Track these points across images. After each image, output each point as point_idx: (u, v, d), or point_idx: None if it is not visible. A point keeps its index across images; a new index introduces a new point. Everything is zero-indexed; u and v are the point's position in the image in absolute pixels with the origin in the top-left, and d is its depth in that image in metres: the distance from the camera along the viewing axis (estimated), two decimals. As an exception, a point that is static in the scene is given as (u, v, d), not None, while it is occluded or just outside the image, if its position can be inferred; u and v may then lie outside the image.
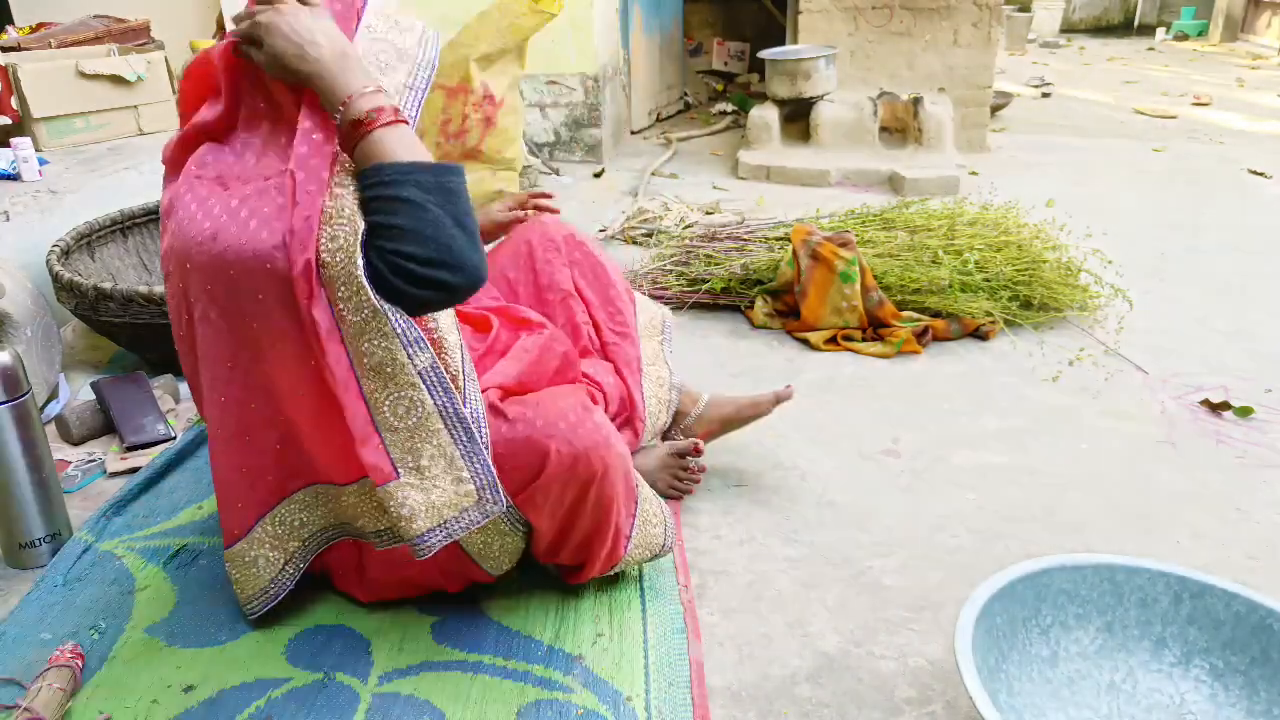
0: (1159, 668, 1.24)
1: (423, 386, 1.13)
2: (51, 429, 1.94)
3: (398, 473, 1.14)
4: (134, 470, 1.81)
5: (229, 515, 1.31)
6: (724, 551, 1.58)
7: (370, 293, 1.07)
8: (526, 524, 1.33)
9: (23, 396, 1.48)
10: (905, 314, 2.45)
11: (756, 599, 1.47)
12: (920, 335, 2.37)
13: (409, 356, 1.12)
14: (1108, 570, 1.26)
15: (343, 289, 1.08)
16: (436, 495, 1.15)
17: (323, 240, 1.08)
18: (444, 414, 1.15)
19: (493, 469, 1.19)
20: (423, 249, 1.06)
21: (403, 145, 1.11)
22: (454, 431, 1.16)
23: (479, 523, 1.19)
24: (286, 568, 1.34)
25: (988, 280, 2.48)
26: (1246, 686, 1.19)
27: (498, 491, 1.19)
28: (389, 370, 1.12)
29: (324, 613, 1.41)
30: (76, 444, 1.92)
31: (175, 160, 1.32)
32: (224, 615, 1.41)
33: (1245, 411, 2.03)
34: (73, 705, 1.23)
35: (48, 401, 2.02)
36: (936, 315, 2.45)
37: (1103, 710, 1.21)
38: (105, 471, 1.82)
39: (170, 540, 1.59)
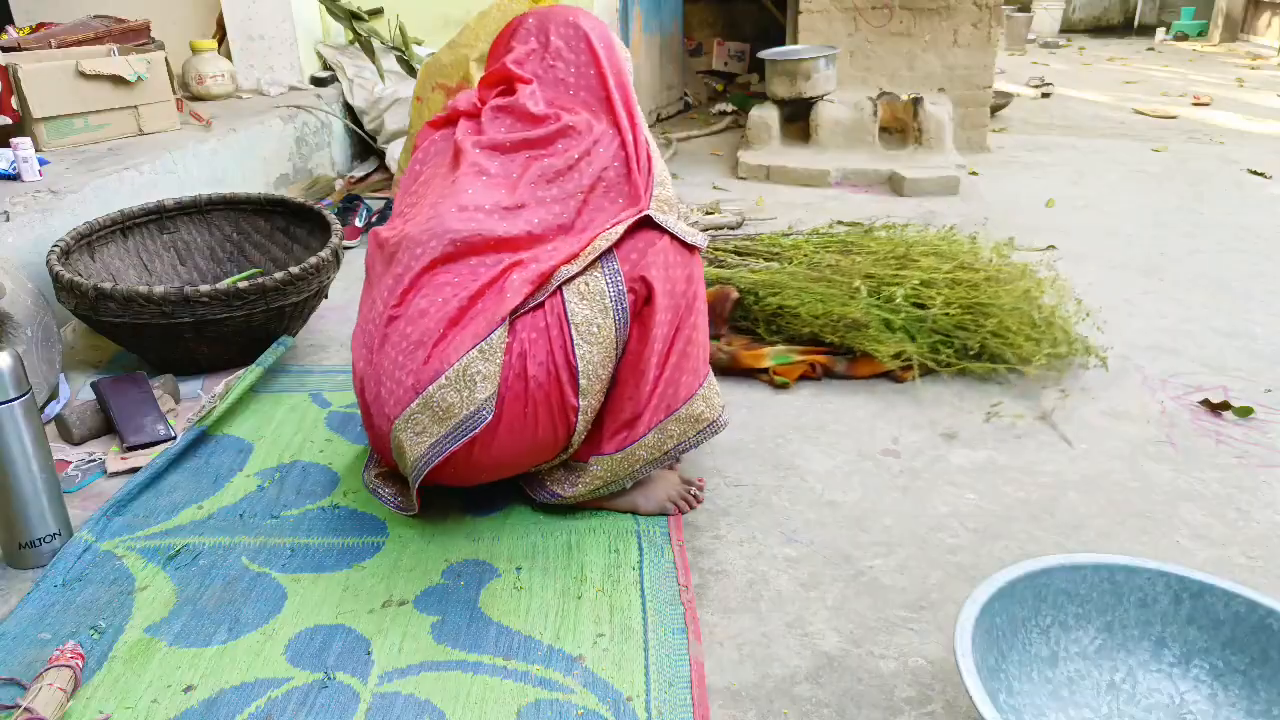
0: (1159, 668, 1.24)
1: None
2: (51, 429, 1.94)
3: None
4: (134, 470, 1.82)
5: (438, 355, 1.45)
6: (724, 551, 1.58)
7: None
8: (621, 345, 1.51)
9: (23, 396, 1.48)
10: (773, 349, 2.17)
11: (756, 599, 1.47)
12: (810, 371, 2.17)
13: None
14: (1107, 570, 1.26)
15: None
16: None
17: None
18: None
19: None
20: None
21: None
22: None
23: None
24: (445, 440, 1.47)
25: (921, 321, 2.19)
26: (1246, 686, 1.19)
27: None
28: None
29: (324, 613, 1.42)
30: (76, 444, 1.92)
31: None
32: (224, 615, 1.41)
33: (1245, 411, 2.03)
34: (73, 705, 1.24)
35: (48, 401, 2.02)
36: (844, 351, 2.18)
37: (1103, 710, 1.21)
38: (105, 471, 1.82)
39: (170, 540, 1.59)
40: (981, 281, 2.27)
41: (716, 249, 2.61)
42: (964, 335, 2.17)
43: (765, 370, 2.14)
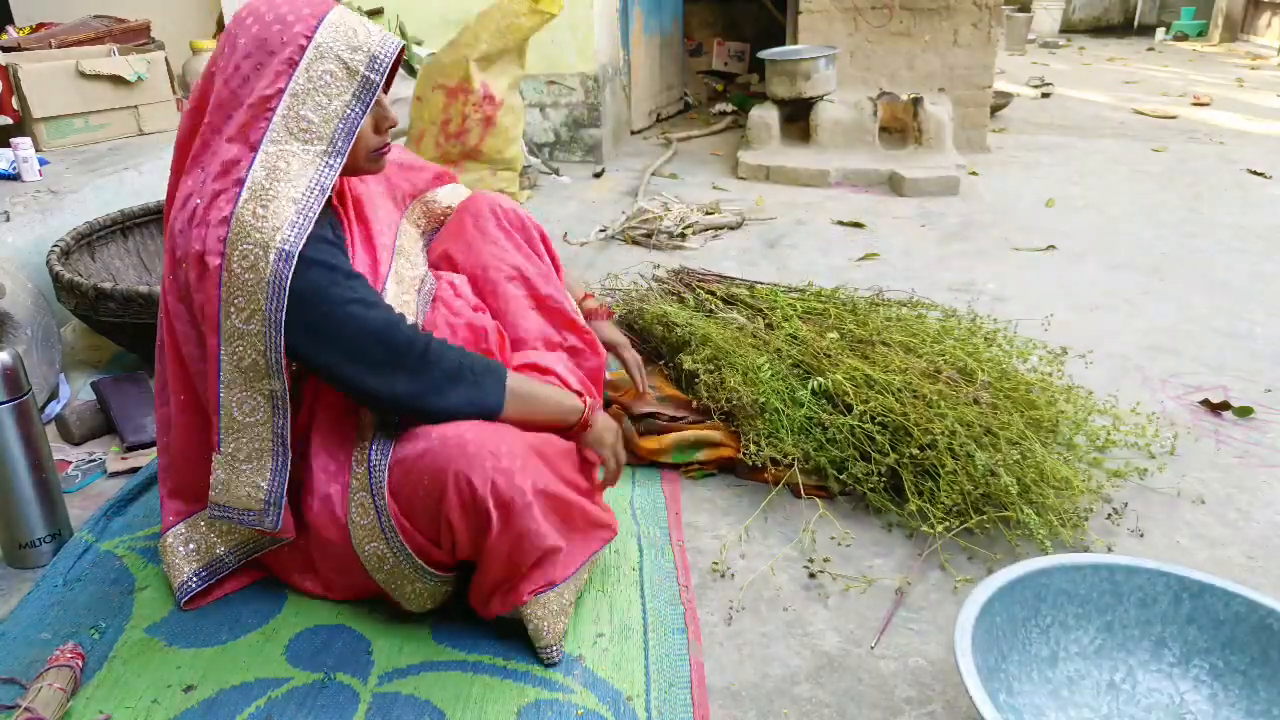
0: (1159, 668, 1.24)
1: (269, 403, 1.25)
2: (52, 429, 1.94)
3: (220, 449, 1.28)
4: (134, 470, 1.81)
5: (175, 500, 1.44)
6: (724, 552, 1.58)
7: (265, 313, 1.17)
8: (440, 573, 1.33)
9: (23, 396, 1.48)
10: (675, 438, 1.82)
11: (756, 599, 1.47)
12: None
13: (269, 375, 1.23)
14: (1107, 570, 1.26)
15: (240, 299, 1.17)
16: (234, 484, 1.29)
17: (232, 251, 1.16)
18: (275, 433, 1.27)
19: (284, 496, 1.29)
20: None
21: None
22: (275, 450, 1.28)
23: (255, 526, 1.32)
24: (212, 565, 1.43)
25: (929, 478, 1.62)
26: (1246, 686, 1.19)
27: (279, 514, 1.30)
28: (251, 375, 1.22)
29: (324, 613, 1.41)
30: (77, 444, 1.92)
31: None
32: (224, 615, 1.41)
33: (1245, 411, 2.03)
34: (73, 705, 1.23)
35: (48, 401, 2.02)
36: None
37: (1102, 710, 1.21)
38: (105, 471, 1.82)
39: (170, 540, 1.59)
40: (1003, 402, 1.77)
41: (710, 292, 2.31)
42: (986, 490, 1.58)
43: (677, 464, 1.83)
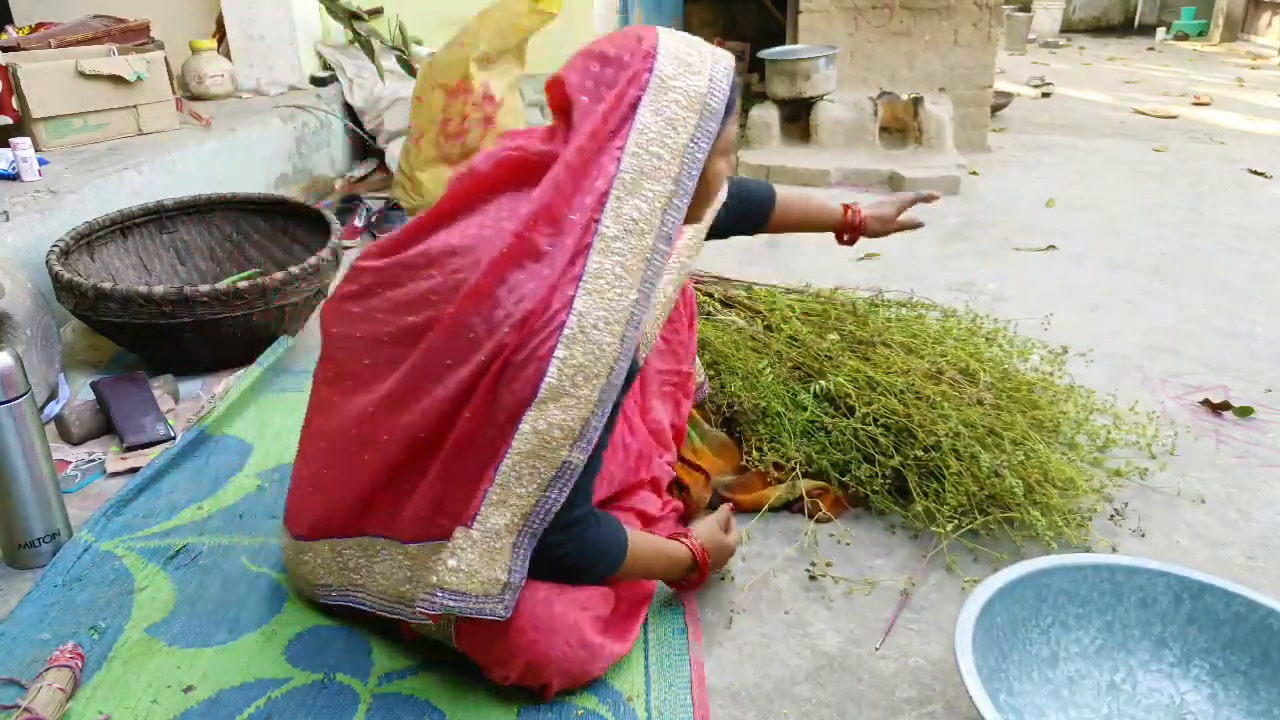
0: (1159, 668, 1.24)
1: (555, 473, 1.11)
2: (51, 429, 1.94)
3: (472, 524, 1.11)
4: (134, 470, 1.81)
5: (311, 512, 1.34)
6: (724, 551, 1.58)
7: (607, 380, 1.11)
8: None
9: (22, 396, 1.47)
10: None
11: (756, 599, 1.47)
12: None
13: (575, 444, 1.11)
14: (1108, 570, 1.26)
15: (577, 363, 1.08)
16: (483, 569, 1.12)
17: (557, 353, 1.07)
18: (539, 506, 1.12)
19: (524, 578, 1.15)
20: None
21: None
22: (528, 526, 1.13)
23: (477, 613, 1.13)
24: (325, 587, 1.36)
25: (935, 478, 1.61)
26: (1246, 686, 1.19)
27: (513, 599, 1.15)
28: (550, 444, 1.09)
29: (324, 613, 1.41)
30: (76, 444, 1.92)
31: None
32: (224, 615, 1.41)
33: (1245, 411, 2.03)
34: (72, 705, 1.23)
35: (47, 401, 2.02)
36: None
37: (1103, 710, 1.21)
38: (105, 471, 1.82)
39: (170, 540, 1.59)
40: (1005, 402, 1.77)
41: (708, 294, 2.27)
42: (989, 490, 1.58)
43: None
